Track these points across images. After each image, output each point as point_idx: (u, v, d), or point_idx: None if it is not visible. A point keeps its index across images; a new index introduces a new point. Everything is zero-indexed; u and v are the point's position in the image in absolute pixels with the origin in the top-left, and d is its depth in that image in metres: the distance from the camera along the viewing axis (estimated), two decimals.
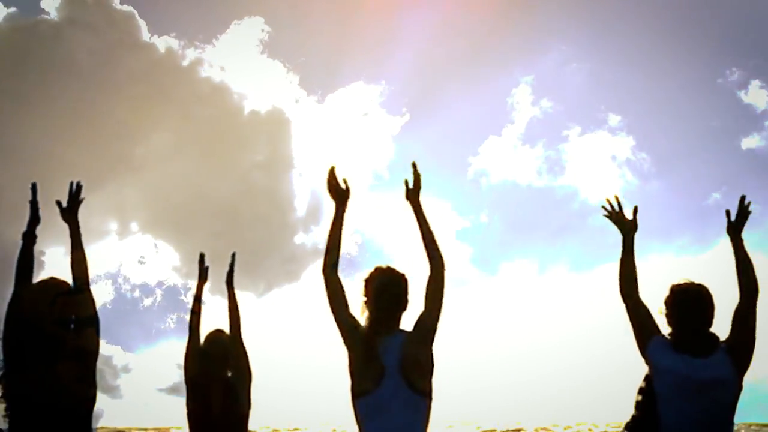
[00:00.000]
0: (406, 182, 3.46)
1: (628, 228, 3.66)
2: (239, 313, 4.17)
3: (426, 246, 3.36)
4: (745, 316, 3.38)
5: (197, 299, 4.20)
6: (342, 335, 3.28)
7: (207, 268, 4.29)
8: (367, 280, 3.35)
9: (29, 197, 3.63)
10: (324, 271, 3.37)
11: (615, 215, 3.71)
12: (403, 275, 3.36)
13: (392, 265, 3.39)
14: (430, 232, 3.38)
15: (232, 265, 4.28)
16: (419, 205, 3.44)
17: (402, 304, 3.32)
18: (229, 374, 4.04)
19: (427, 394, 3.15)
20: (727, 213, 3.61)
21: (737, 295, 3.43)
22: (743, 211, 3.62)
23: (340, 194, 3.45)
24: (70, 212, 3.64)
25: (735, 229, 3.58)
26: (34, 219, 3.61)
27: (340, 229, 3.44)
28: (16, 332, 3.29)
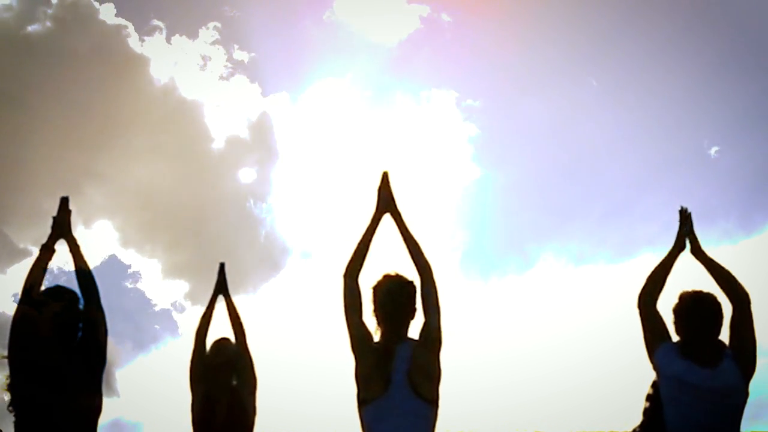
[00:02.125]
0: (380, 193, 3.46)
1: (684, 241, 3.67)
2: (241, 320, 4.14)
3: (412, 256, 3.36)
4: (741, 325, 3.38)
5: (209, 308, 4.17)
6: (351, 343, 3.26)
7: (224, 278, 4.23)
8: (374, 288, 3.33)
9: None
10: (344, 276, 3.35)
11: (687, 223, 3.70)
12: (411, 282, 3.33)
13: (400, 272, 3.37)
14: (415, 242, 3.38)
15: (222, 275, 4.22)
16: (400, 216, 3.43)
17: (410, 311, 3.29)
18: (235, 382, 3.99)
19: (433, 402, 3.14)
20: (690, 238, 3.65)
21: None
22: (690, 226, 3.68)
23: (387, 202, 3.45)
24: (62, 226, 3.61)
25: (697, 247, 3.63)
26: (54, 233, 3.59)
27: (372, 238, 3.42)
28: (20, 340, 3.25)
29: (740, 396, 3.32)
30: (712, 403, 3.27)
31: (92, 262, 3.59)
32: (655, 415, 3.42)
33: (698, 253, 3.62)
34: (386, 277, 3.33)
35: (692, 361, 3.33)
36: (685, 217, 3.71)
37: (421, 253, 3.34)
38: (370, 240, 3.41)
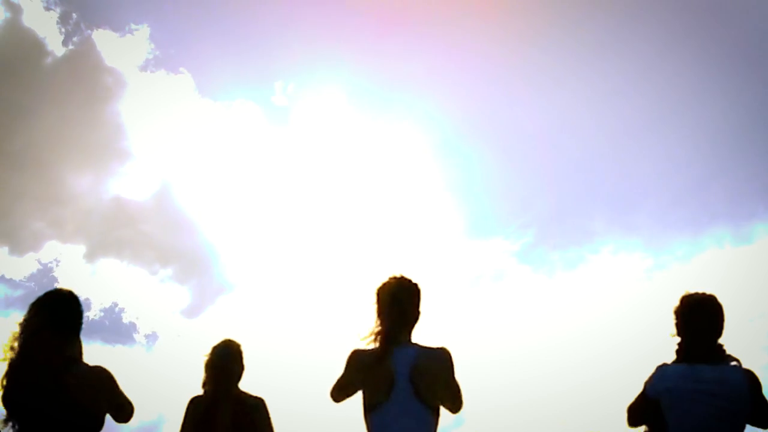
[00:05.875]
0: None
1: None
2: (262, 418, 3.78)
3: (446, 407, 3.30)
4: None
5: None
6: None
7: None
8: (379, 289, 3.33)
9: None
10: (332, 394, 3.35)
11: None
12: (415, 285, 3.34)
13: (405, 274, 3.37)
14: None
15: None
16: None
17: (414, 315, 3.30)
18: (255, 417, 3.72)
19: (434, 409, 3.16)
20: None
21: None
22: None
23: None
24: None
25: None
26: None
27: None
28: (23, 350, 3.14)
29: (741, 402, 3.28)
30: (709, 406, 3.25)
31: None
32: None
33: None
34: (392, 278, 3.34)
35: (694, 363, 3.34)
36: None
37: (458, 402, 3.27)
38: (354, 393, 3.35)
